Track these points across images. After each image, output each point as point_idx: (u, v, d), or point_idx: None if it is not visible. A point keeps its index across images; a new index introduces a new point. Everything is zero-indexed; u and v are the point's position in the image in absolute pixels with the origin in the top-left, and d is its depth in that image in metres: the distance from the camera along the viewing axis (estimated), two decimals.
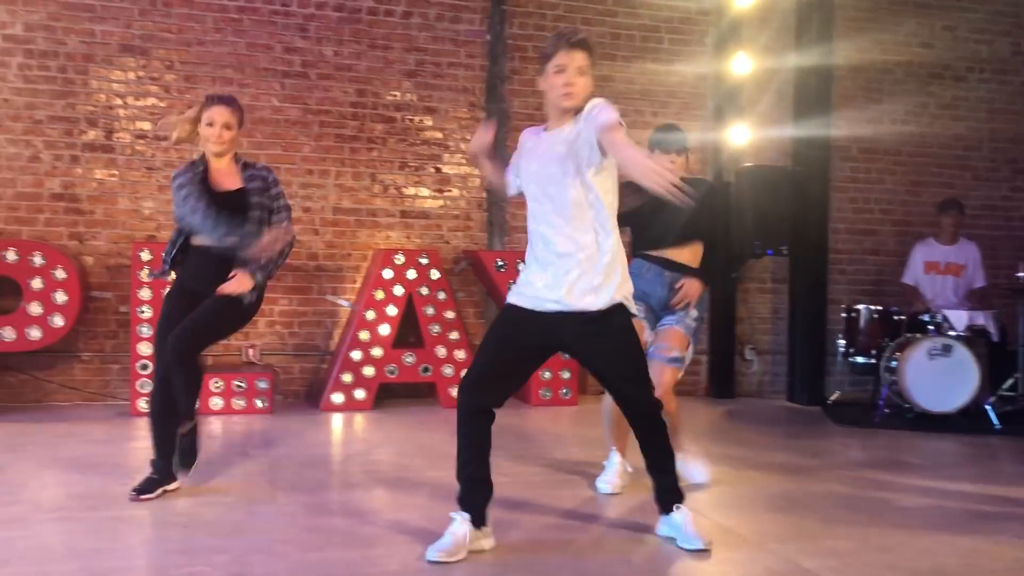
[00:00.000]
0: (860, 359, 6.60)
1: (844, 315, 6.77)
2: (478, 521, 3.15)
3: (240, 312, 3.97)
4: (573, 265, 3.09)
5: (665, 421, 3.32)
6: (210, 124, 3.88)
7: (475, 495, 3.17)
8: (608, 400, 3.97)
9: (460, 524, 3.11)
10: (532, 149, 3.25)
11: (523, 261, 3.36)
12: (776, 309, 7.71)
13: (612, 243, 3.14)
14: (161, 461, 3.87)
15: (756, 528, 3.59)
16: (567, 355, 3.76)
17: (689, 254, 4.16)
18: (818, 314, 7.33)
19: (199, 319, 3.83)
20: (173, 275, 4.09)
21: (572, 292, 3.08)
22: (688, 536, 3.26)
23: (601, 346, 3.16)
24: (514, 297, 3.25)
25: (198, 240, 3.94)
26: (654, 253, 4.15)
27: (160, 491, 3.83)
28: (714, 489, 4.27)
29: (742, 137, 7.34)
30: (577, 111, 3.11)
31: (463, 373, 3.21)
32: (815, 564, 3.11)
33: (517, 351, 3.21)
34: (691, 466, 4.24)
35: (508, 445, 4.84)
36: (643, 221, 4.10)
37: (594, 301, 3.09)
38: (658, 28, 7.44)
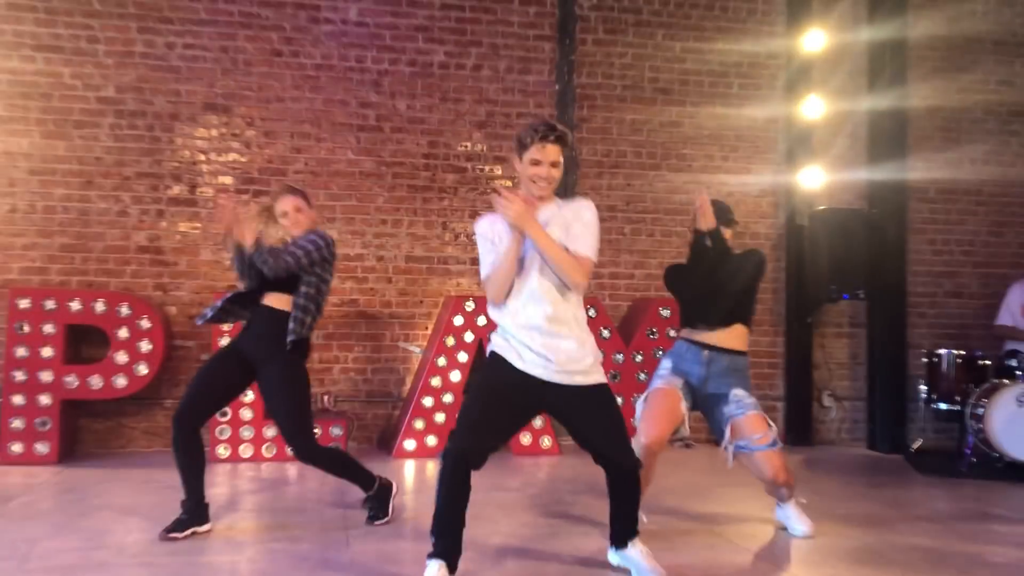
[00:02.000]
0: (944, 405, 6.38)
1: (926, 360, 6.57)
2: (452, 568, 3.22)
3: (298, 370, 4.19)
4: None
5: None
6: (284, 215, 4.24)
7: (453, 545, 3.24)
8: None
9: (438, 570, 3.18)
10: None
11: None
12: (854, 354, 7.53)
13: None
14: (190, 502, 4.06)
15: None
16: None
17: (731, 337, 4.21)
18: (898, 359, 7.14)
19: (283, 411, 4.13)
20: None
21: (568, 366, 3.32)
22: (644, 570, 3.41)
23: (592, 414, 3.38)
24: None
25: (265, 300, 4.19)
26: (696, 337, 4.22)
27: (190, 531, 4.01)
28: (793, 541, 4.16)
29: (815, 180, 7.26)
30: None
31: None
32: None
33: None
34: (796, 518, 4.26)
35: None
36: (689, 299, 4.27)
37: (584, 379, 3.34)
38: (727, 73, 7.45)
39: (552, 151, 3.28)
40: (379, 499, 4.36)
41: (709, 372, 4.16)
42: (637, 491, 3.47)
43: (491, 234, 3.38)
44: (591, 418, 3.35)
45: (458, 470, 3.18)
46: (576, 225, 3.33)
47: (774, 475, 4.07)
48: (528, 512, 4.62)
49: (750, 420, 4.08)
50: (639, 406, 4.22)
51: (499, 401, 3.30)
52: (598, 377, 3.35)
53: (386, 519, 4.31)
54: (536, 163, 3.29)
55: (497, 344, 3.39)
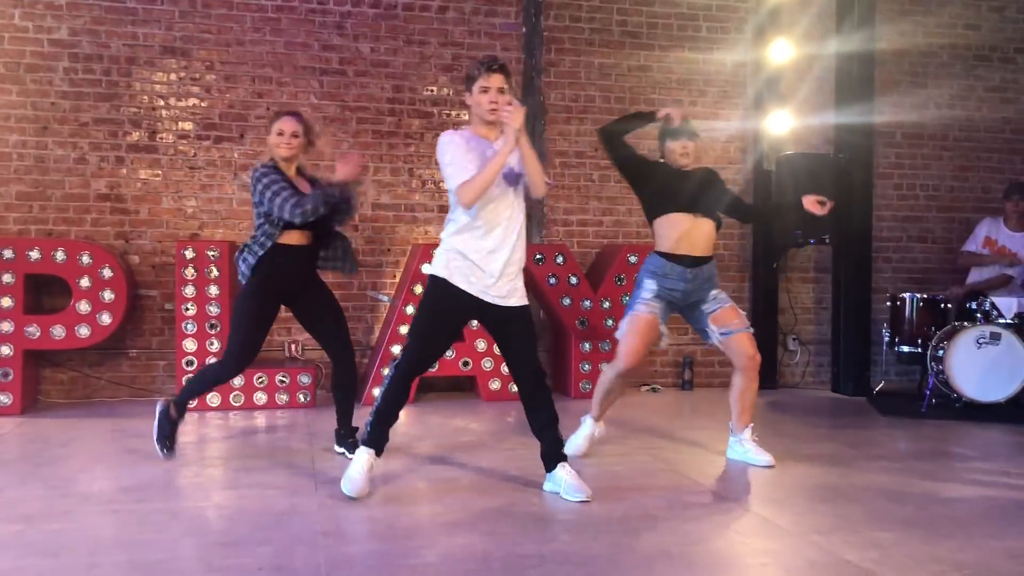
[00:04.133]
0: (906, 348, 6.48)
1: (889, 304, 6.65)
2: (379, 455, 3.88)
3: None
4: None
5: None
6: (280, 133, 4.38)
7: (385, 438, 3.88)
8: (608, 375, 4.58)
9: (368, 457, 3.82)
10: (479, 154, 3.74)
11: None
12: (819, 299, 7.61)
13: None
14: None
15: (798, 520, 3.55)
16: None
17: (707, 243, 4.55)
18: (862, 303, 7.21)
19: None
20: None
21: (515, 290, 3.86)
22: (571, 489, 3.76)
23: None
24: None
25: (285, 239, 4.29)
26: (679, 252, 4.46)
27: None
28: (755, 480, 4.24)
29: (783, 125, 7.25)
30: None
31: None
32: (857, 556, 3.07)
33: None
34: (755, 451, 4.56)
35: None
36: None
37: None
38: (695, 16, 7.37)
39: (497, 79, 3.74)
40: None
41: (693, 286, 4.47)
42: (551, 402, 3.86)
43: (463, 144, 3.75)
44: (518, 334, 3.85)
45: (407, 380, 3.85)
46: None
47: (754, 352, 4.51)
48: (490, 452, 4.64)
49: (727, 312, 4.48)
50: (623, 327, 4.50)
51: (445, 321, 3.84)
52: (524, 299, 3.88)
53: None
54: (485, 90, 3.74)
55: (441, 267, 3.81)
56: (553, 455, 3.87)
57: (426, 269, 4.07)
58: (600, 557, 3.06)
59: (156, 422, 4.40)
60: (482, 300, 3.77)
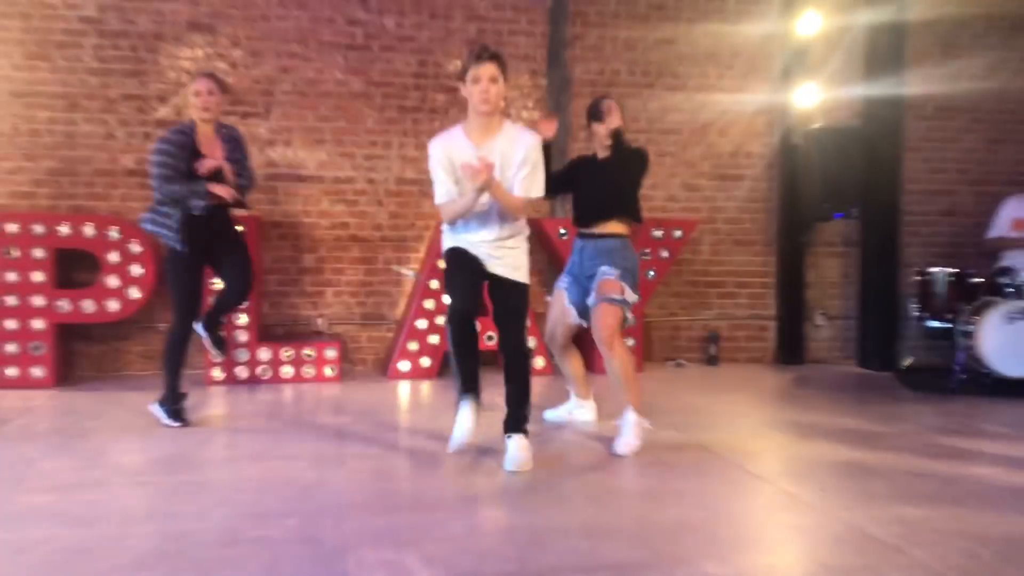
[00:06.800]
0: (935, 323, 6.40)
1: (918, 278, 6.57)
2: (478, 402, 3.94)
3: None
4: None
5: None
6: (196, 94, 4.54)
7: (477, 385, 3.94)
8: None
9: (471, 405, 3.89)
10: (467, 160, 3.73)
11: None
12: (847, 273, 7.55)
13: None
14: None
15: (823, 495, 3.54)
16: None
17: (607, 227, 4.50)
18: (890, 278, 7.15)
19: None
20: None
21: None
22: (509, 459, 3.81)
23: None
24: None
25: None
26: (586, 231, 4.56)
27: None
28: (781, 455, 4.23)
29: (811, 98, 7.17)
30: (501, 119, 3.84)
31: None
32: (882, 532, 3.06)
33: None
34: (628, 431, 4.27)
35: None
36: (577, 202, 4.67)
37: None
38: None
39: (488, 68, 3.69)
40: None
41: (582, 258, 4.52)
42: (524, 378, 3.92)
43: (445, 161, 3.81)
44: (500, 301, 3.90)
45: (464, 324, 3.80)
46: (526, 167, 3.78)
47: (601, 328, 4.27)
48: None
49: (605, 282, 4.33)
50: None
51: (468, 271, 3.85)
52: (521, 277, 3.89)
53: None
54: (476, 80, 3.70)
55: (450, 241, 3.95)
56: (508, 425, 3.93)
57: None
58: (625, 530, 3.08)
59: (162, 415, 4.72)
60: (482, 259, 3.88)
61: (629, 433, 4.22)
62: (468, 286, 3.87)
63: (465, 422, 3.90)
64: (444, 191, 3.85)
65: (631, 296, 4.37)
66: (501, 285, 3.90)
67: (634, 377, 4.32)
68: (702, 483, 3.69)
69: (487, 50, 3.74)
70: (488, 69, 3.69)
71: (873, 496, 3.51)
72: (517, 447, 3.85)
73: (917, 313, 6.53)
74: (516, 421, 3.92)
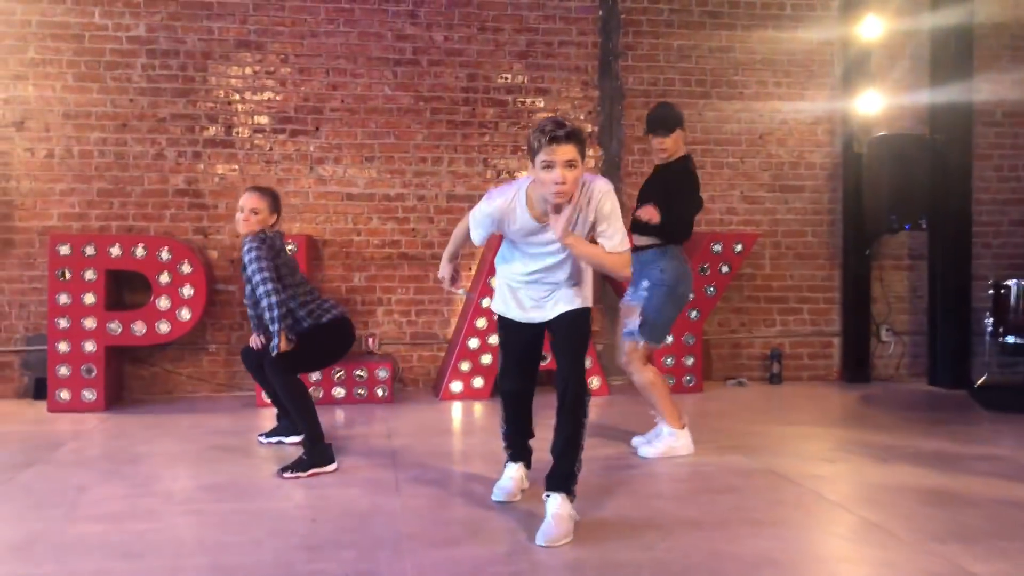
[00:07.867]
0: (1012, 339, 6.10)
1: (992, 291, 6.27)
2: (528, 466, 3.76)
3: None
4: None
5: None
6: (240, 210, 4.38)
7: (525, 453, 3.77)
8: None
9: (517, 469, 3.72)
10: (522, 229, 3.29)
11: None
12: (914, 287, 7.25)
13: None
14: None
15: (911, 526, 3.29)
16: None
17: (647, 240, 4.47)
18: (962, 291, 6.85)
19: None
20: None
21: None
22: (545, 531, 3.13)
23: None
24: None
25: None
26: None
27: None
28: (858, 480, 3.99)
29: (873, 105, 6.91)
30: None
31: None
32: (984, 569, 2.82)
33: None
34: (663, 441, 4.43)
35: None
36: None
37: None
38: None
39: (564, 151, 2.97)
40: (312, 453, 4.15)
41: (635, 271, 4.30)
42: (568, 426, 3.25)
43: (494, 224, 3.33)
44: (560, 339, 3.40)
45: (519, 406, 3.69)
46: (602, 224, 3.22)
47: (618, 356, 4.62)
48: None
49: (623, 310, 4.59)
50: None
51: (519, 346, 3.57)
52: (579, 303, 3.40)
53: (294, 474, 4.05)
54: (548, 166, 3.00)
55: (497, 304, 3.58)
56: (549, 482, 3.28)
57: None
58: (700, 566, 2.88)
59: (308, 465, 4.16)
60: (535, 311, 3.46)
61: (660, 443, 4.41)
62: (524, 363, 3.63)
63: (509, 482, 3.69)
64: (479, 238, 3.46)
65: (634, 324, 4.41)
66: (561, 318, 3.39)
67: (665, 394, 4.43)
68: (777, 512, 3.48)
69: (562, 126, 2.99)
70: (565, 152, 2.98)
71: (967, 527, 3.27)
72: (556, 513, 3.18)
73: (992, 328, 6.23)
74: (560, 479, 3.25)
